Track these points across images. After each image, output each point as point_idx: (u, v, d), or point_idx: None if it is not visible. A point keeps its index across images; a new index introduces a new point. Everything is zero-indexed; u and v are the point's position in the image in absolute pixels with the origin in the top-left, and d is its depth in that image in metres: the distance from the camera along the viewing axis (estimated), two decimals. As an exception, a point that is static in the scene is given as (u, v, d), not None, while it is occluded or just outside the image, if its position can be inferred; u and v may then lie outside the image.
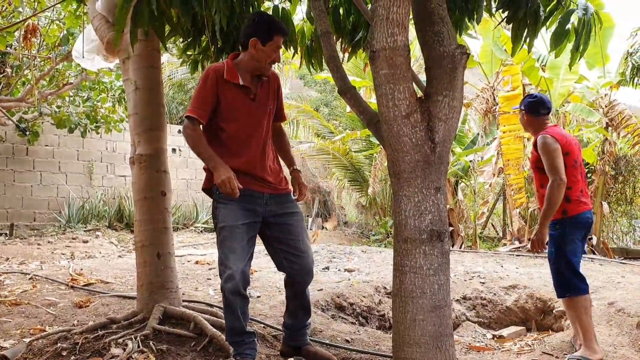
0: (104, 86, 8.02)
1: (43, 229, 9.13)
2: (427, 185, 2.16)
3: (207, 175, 2.78)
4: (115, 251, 7.64)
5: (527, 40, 3.07)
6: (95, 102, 8.07)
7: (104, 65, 4.71)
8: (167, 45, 3.25)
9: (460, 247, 9.43)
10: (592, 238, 8.53)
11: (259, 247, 2.92)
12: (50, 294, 4.36)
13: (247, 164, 2.73)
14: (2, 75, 7.68)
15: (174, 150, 11.05)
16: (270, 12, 3.29)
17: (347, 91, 2.44)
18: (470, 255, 7.43)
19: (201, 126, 2.73)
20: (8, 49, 6.82)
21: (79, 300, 4.08)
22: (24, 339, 3.17)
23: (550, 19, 3.02)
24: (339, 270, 5.79)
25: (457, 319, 4.74)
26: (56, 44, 6.68)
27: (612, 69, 9.05)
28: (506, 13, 3.04)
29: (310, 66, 3.79)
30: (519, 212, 8.96)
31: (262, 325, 3.54)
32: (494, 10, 3.22)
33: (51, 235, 8.61)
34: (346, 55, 3.68)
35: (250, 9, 3.18)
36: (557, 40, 2.99)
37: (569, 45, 3.05)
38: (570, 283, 3.24)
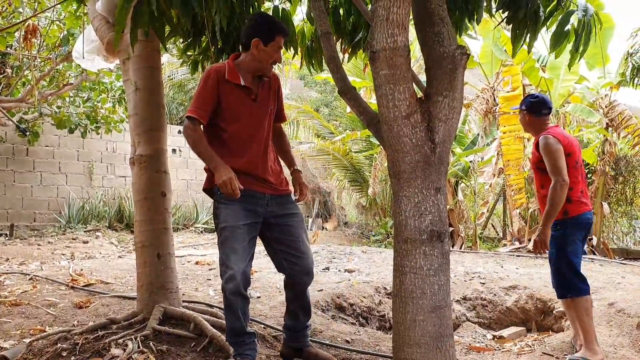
0: (104, 87, 8.03)
1: (43, 230, 9.13)
2: (427, 186, 2.16)
3: (208, 175, 2.78)
4: (115, 252, 7.64)
5: (527, 40, 3.07)
6: (95, 103, 8.07)
7: (104, 66, 4.72)
8: (167, 46, 3.25)
9: (461, 248, 9.42)
10: (592, 239, 8.53)
11: (259, 247, 2.92)
12: (50, 294, 4.36)
13: (249, 165, 2.73)
14: (2, 76, 7.69)
15: (174, 150, 11.06)
16: (270, 13, 3.29)
17: (347, 92, 2.44)
18: (470, 255, 7.43)
19: (202, 126, 2.73)
20: (8, 49, 6.83)
21: (79, 300, 4.08)
22: (24, 340, 3.17)
23: (550, 20, 3.02)
24: (339, 270, 5.79)
25: (457, 320, 4.74)
26: (56, 44, 6.69)
27: (612, 70, 9.05)
28: (506, 13, 3.04)
29: (311, 67, 3.79)
30: (519, 213, 8.96)
31: (262, 326, 3.54)
32: (494, 10, 3.22)
33: (51, 236, 8.61)
34: (346, 55, 3.68)
35: (251, 10, 3.18)
36: (557, 41, 3.00)
37: (569, 46, 3.05)
38: (571, 284, 3.24)
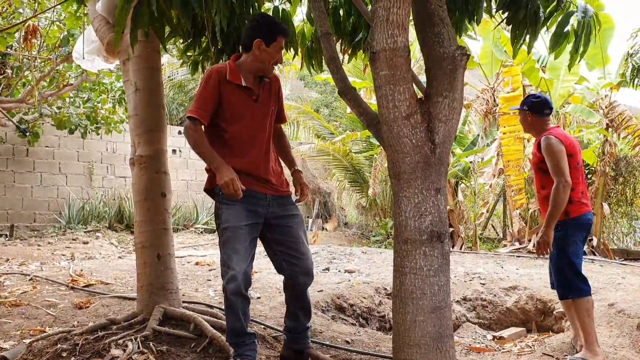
0: (104, 87, 8.03)
1: (43, 230, 9.13)
2: (427, 187, 2.16)
3: (209, 176, 2.78)
4: (115, 252, 7.64)
5: (527, 41, 3.07)
6: (95, 103, 8.08)
7: (104, 67, 4.72)
8: (167, 47, 3.25)
9: (461, 248, 9.42)
10: (592, 239, 8.53)
11: (259, 248, 2.92)
12: (50, 295, 4.36)
13: (251, 165, 2.73)
14: (2, 77, 7.69)
15: (174, 151, 11.06)
16: (270, 13, 3.30)
17: (347, 92, 2.44)
18: (470, 256, 7.43)
19: (202, 127, 2.73)
20: (8, 50, 6.84)
21: (79, 301, 4.08)
22: (24, 340, 3.17)
23: (550, 20, 3.02)
24: (339, 271, 5.79)
25: (457, 320, 4.74)
26: (56, 45, 6.69)
27: (612, 70, 9.06)
28: (506, 14, 3.04)
29: (311, 67, 3.79)
30: (519, 213, 8.96)
31: (262, 327, 3.54)
32: (494, 11, 3.22)
33: (51, 236, 8.61)
34: (346, 56, 3.69)
35: (251, 10, 3.18)
36: (557, 42, 3.00)
37: (569, 46, 3.05)
38: (572, 284, 3.24)
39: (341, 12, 3.45)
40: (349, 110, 10.41)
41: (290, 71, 12.87)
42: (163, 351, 2.89)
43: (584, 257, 3.53)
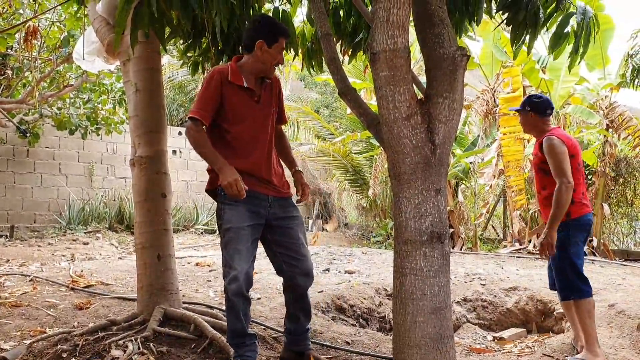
0: (105, 88, 8.03)
1: (43, 231, 9.13)
2: (427, 187, 2.16)
3: (210, 176, 2.78)
4: (115, 253, 7.64)
5: (527, 42, 3.07)
6: (95, 104, 8.08)
7: (104, 67, 4.72)
8: (167, 47, 3.26)
9: (461, 249, 9.42)
10: (592, 240, 8.53)
11: (259, 248, 2.92)
12: (51, 295, 4.37)
13: (253, 166, 2.73)
14: (2, 77, 7.69)
15: (174, 152, 11.06)
16: (270, 14, 3.30)
17: (347, 93, 2.44)
18: (470, 257, 7.43)
19: (204, 128, 2.73)
20: (9, 50, 6.84)
21: (79, 302, 4.08)
22: (24, 341, 3.17)
23: (550, 21, 3.02)
24: (339, 272, 5.79)
25: (457, 321, 4.74)
26: (57, 45, 6.69)
27: (612, 71, 9.06)
28: (506, 15, 3.04)
29: (311, 68, 3.79)
30: (520, 214, 8.96)
31: (263, 327, 3.54)
32: (494, 12, 3.22)
33: (51, 237, 8.61)
34: (346, 57, 3.69)
35: (251, 11, 3.18)
36: (556, 43, 3.00)
37: (569, 47, 3.05)
38: (573, 285, 3.23)
39: (341, 12, 3.45)
40: (349, 111, 10.41)
41: (290, 72, 12.88)
42: (163, 352, 2.89)
43: (584, 257, 3.53)
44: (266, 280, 5.11)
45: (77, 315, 3.80)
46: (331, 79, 2.64)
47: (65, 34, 6.27)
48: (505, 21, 3.06)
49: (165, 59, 10.83)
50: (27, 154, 9.45)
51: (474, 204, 10.78)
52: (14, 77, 7.47)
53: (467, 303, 4.97)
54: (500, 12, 3.09)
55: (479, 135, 10.21)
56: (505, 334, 4.40)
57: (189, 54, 3.54)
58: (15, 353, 2.92)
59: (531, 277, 5.37)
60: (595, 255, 8.18)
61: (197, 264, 6.19)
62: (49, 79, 7.43)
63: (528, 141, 8.51)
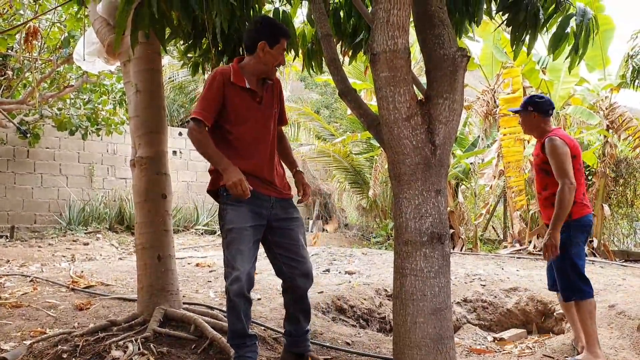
0: (105, 88, 8.04)
1: (44, 231, 9.13)
2: (427, 188, 2.17)
3: (212, 177, 2.78)
4: (115, 253, 7.64)
5: (527, 43, 3.07)
6: (96, 105, 8.08)
7: (104, 68, 4.73)
8: (167, 48, 3.26)
9: (461, 250, 9.42)
10: (592, 241, 8.52)
11: (259, 249, 2.92)
12: (51, 296, 4.37)
13: (256, 167, 2.74)
14: (3, 78, 7.70)
15: (174, 152, 11.06)
16: (270, 15, 3.30)
17: (347, 94, 2.45)
18: (470, 257, 7.43)
19: (206, 129, 2.73)
20: (9, 51, 6.84)
21: (79, 302, 4.08)
22: (24, 342, 3.17)
23: (549, 22, 3.02)
24: (339, 272, 5.79)
25: (457, 322, 4.73)
26: (57, 46, 6.70)
27: (612, 72, 9.05)
28: (506, 16, 3.04)
29: (311, 69, 3.80)
30: (520, 215, 8.95)
31: (263, 328, 3.54)
32: (494, 13, 3.22)
33: (52, 238, 8.61)
34: (347, 58, 3.69)
35: (251, 12, 3.19)
36: (556, 44, 3.00)
37: (569, 48, 3.05)
38: (575, 286, 3.23)
39: (341, 13, 3.45)
40: (349, 111, 10.41)
41: (290, 72, 12.88)
42: (163, 352, 2.90)
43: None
44: (266, 281, 5.11)
45: (78, 315, 3.80)
46: (331, 80, 2.64)
47: (66, 34, 6.27)
48: (505, 22, 3.06)
49: (165, 60, 10.84)
50: (27, 154, 9.46)
51: (474, 204, 10.77)
52: (15, 77, 7.48)
53: (468, 304, 4.97)
54: (500, 13, 3.09)
55: (479, 136, 10.20)
56: (506, 334, 4.40)
57: (189, 55, 3.54)
58: (16, 354, 2.92)
59: (531, 278, 5.37)
60: (595, 256, 8.17)
61: (197, 265, 6.19)
62: (50, 79, 7.44)
63: (528, 142, 8.51)
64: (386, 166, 4.22)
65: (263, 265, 5.59)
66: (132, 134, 3.53)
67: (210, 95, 2.69)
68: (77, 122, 8.00)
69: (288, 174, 3.00)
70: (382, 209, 11.80)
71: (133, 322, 3.28)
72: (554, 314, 4.53)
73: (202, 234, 10.31)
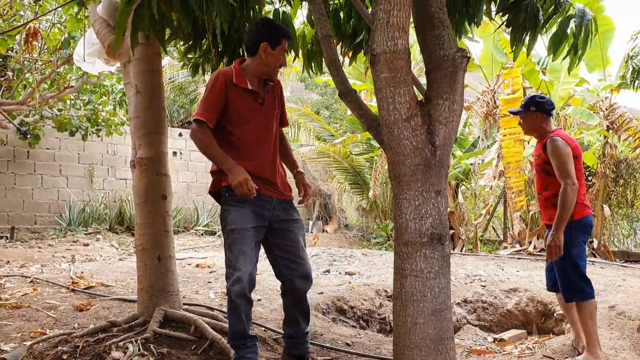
0: (105, 89, 8.04)
1: (44, 232, 9.13)
2: (427, 189, 2.16)
3: (214, 178, 2.78)
4: (115, 254, 7.64)
5: (527, 43, 3.07)
6: (96, 106, 8.08)
7: (105, 69, 4.73)
8: (167, 49, 3.26)
9: (461, 250, 9.42)
10: (592, 241, 8.52)
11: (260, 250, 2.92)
12: (51, 297, 4.37)
13: (258, 168, 2.74)
14: (3, 79, 7.70)
15: (174, 153, 11.06)
16: (270, 16, 3.30)
17: (347, 94, 2.45)
18: (471, 258, 7.43)
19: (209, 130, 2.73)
20: (9, 52, 6.85)
21: (79, 303, 4.08)
22: (24, 343, 3.17)
23: (549, 22, 3.03)
24: (339, 273, 5.79)
25: (458, 322, 4.73)
26: (57, 47, 6.70)
27: (612, 72, 9.05)
28: (506, 16, 3.05)
29: (311, 70, 3.80)
30: (520, 215, 8.96)
31: (263, 329, 3.54)
32: (493, 14, 3.22)
33: (52, 238, 8.62)
34: (347, 58, 3.69)
35: (251, 13, 3.19)
36: (556, 45, 3.00)
37: (568, 49, 3.05)
38: (576, 287, 3.23)
39: (341, 14, 3.45)
40: (349, 112, 10.42)
41: (290, 73, 12.89)
42: (164, 353, 2.90)
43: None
44: (267, 281, 5.11)
45: (78, 316, 3.80)
46: (331, 81, 2.64)
47: (66, 35, 6.28)
48: (505, 23, 3.06)
49: (165, 61, 10.84)
50: (27, 155, 9.46)
51: (474, 205, 10.76)
52: (15, 78, 7.48)
53: (468, 304, 4.97)
54: (500, 14, 3.09)
55: (479, 137, 10.20)
56: (506, 335, 4.39)
57: (189, 56, 3.54)
58: (16, 355, 2.92)
59: (531, 279, 5.37)
60: (595, 256, 8.17)
61: (197, 266, 6.19)
62: (50, 80, 7.44)
63: (528, 142, 8.51)
64: (386, 167, 4.22)
65: (263, 267, 5.58)
66: (132, 134, 3.53)
67: (213, 97, 2.69)
68: (77, 123, 8.00)
69: (288, 174, 3.00)
70: (382, 210, 11.80)
71: (133, 323, 3.28)
72: (554, 314, 4.53)
73: (202, 234, 10.31)
